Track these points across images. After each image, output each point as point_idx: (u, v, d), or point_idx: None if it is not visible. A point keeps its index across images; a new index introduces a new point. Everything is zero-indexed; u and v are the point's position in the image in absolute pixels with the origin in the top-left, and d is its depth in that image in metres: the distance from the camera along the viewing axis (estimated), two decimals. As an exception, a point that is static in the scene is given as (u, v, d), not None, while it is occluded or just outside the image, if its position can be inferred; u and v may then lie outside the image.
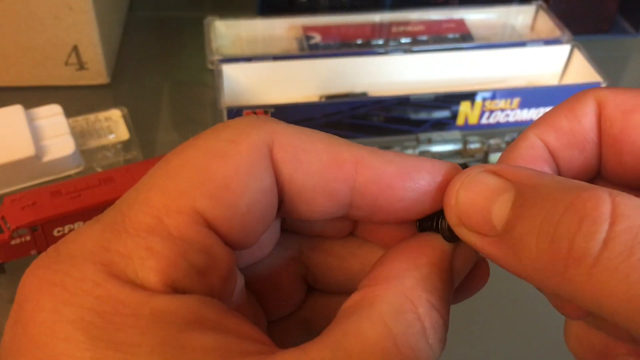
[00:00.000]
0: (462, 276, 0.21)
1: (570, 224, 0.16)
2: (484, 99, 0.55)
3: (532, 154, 0.23)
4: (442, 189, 0.20)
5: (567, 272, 0.16)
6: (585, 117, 0.23)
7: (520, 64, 0.60)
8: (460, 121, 0.56)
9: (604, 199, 0.16)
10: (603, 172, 0.24)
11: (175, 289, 0.17)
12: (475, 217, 0.19)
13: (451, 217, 0.20)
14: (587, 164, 0.23)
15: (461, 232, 0.20)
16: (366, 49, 0.62)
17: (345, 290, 0.23)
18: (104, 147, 0.52)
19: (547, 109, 0.24)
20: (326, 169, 0.20)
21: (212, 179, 0.18)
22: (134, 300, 0.16)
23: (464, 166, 0.23)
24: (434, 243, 0.21)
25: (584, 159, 0.23)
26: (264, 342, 0.18)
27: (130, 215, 0.18)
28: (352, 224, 0.24)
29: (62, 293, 0.16)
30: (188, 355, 0.16)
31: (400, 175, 0.20)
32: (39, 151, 0.48)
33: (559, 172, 0.23)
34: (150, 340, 0.16)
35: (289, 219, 0.23)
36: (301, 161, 0.19)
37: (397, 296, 0.19)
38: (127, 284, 0.17)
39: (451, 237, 0.21)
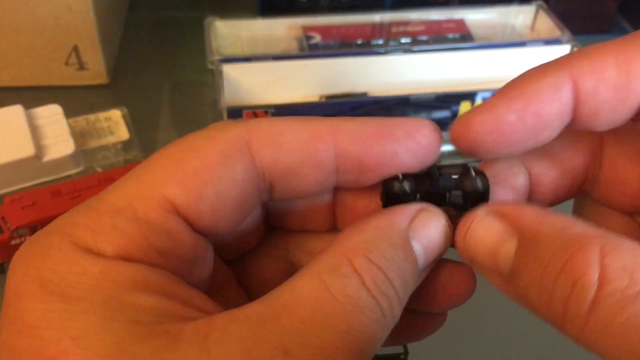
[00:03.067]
0: (431, 243, 0.22)
1: (565, 288, 0.18)
2: (484, 99, 0.55)
3: (549, 99, 0.20)
4: (418, 142, 0.21)
5: (564, 326, 0.18)
6: None
7: (520, 64, 0.60)
8: (460, 121, 0.56)
9: (593, 263, 0.17)
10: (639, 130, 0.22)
11: (126, 259, 0.19)
12: (484, 261, 0.21)
13: (463, 258, 0.22)
14: (615, 118, 0.21)
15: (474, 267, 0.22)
16: (366, 49, 0.62)
17: None
18: (104, 147, 0.52)
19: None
20: (307, 143, 0.21)
21: (183, 169, 0.20)
22: (87, 261, 0.18)
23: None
24: (386, 212, 0.22)
25: (614, 114, 0.21)
26: (212, 312, 0.18)
27: (105, 198, 0.20)
28: (332, 216, 0.24)
29: (30, 259, 0.18)
30: (127, 311, 0.17)
31: (377, 133, 0.21)
32: (39, 151, 0.48)
33: (578, 118, 0.21)
34: (95, 295, 0.17)
35: (283, 199, 0.23)
36: (281, 143, 0.21)
37: (335, 256, 0.19)
38: (84, 250, 0.18)
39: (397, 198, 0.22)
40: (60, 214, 0.46)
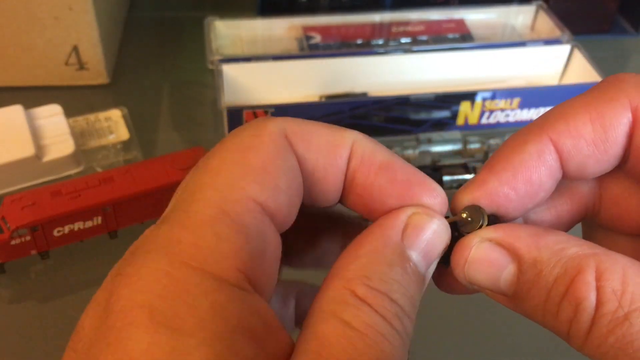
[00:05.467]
0: (428, 246, 0.21)
1: (569, 311, 0.19)
2: (484, 99, 0.55)
3: (535, 165, 0.22)
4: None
5: (568, 340, 0.20)
6: (615, 129, 0.21)
7: (520, 64, 0.60)
8: (460, 121, 0.56)
9: (591, 285, 0.19)
10: (628, 170, 0.22)
11: (240, 271, 0.18)
12: (486, 286, 0.21)
13: (464, 283, 0.22)
14: (603, 166, 0.22)
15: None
16: (366, 49, 0.62)
17: None
18: (104, 147, 0.52)
19: (547, 109, 0.23)
20: (330, 146, 0.22)
21: (251, 167, 0.20)
22: (198, 290, 0.17)
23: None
24: (378, 228, 0.21)
25: (600, 164, 0.22)
26: (283, 354, 0.19)
27: (192, 210, 0.19)
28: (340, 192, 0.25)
29: (137, 282, 0.18)
30: (230, 355, 0.17)
31: (395, 188, 0.22)
32: (39, 151, 0.48)
33: (568, 173, 0.22)
34: (203, 333, 0.17)
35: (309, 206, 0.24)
36: (309, 141, 0.21)
37: (336, 289, 0.20)
38: (197, 271, 0.18)
39: None
40: (61, 214, 0.46)
